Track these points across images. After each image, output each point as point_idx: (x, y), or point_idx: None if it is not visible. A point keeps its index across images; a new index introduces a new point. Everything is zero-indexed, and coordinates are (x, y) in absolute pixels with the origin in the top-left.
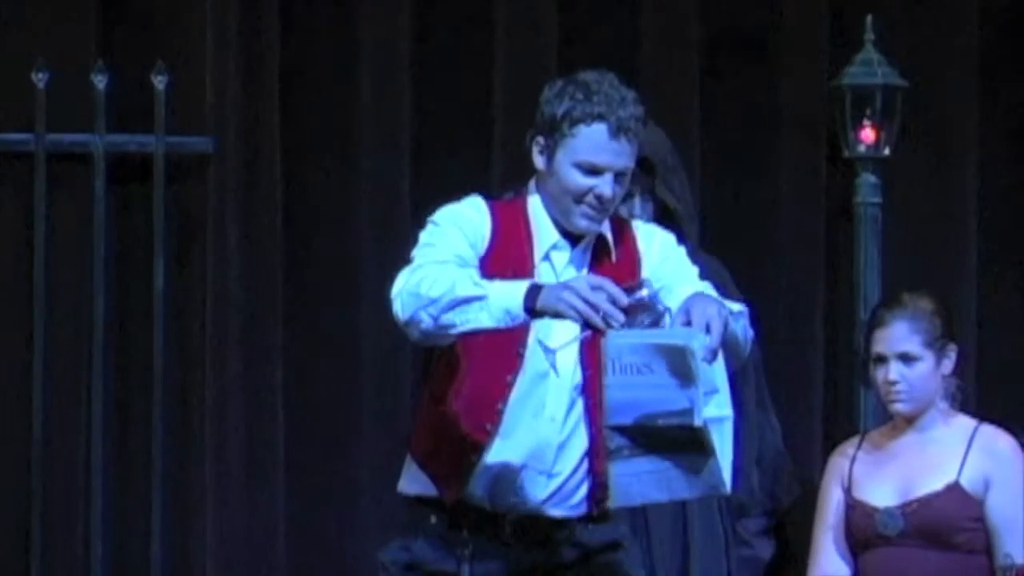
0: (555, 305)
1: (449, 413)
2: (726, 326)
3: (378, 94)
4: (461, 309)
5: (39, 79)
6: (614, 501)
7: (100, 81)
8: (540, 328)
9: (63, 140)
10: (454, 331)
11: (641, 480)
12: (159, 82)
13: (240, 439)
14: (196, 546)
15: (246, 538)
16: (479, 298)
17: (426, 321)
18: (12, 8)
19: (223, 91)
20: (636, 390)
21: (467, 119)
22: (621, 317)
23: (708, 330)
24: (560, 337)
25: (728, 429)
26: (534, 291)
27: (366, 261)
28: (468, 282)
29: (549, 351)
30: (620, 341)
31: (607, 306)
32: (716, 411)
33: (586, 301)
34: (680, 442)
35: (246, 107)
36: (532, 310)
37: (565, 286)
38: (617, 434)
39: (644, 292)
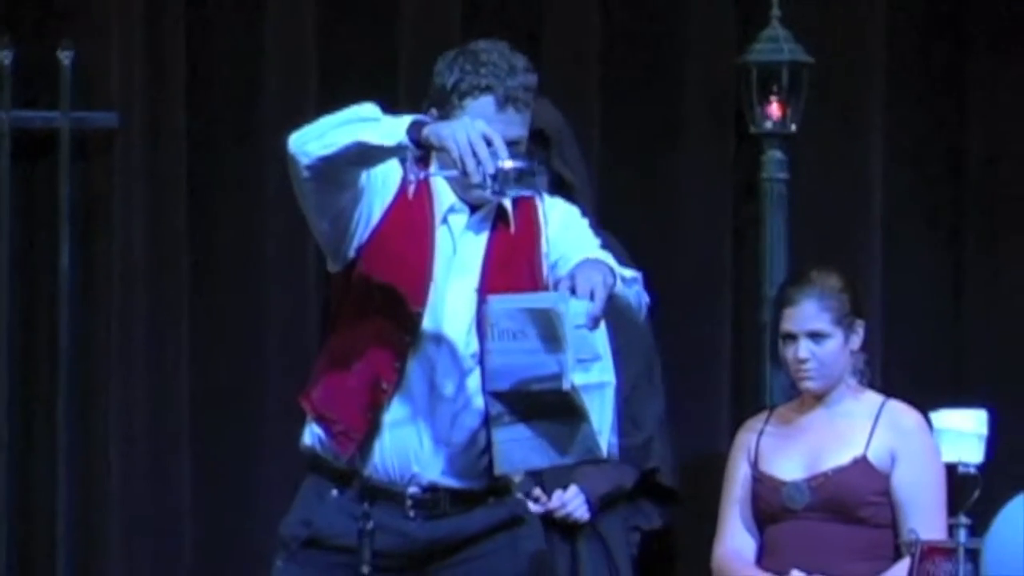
0: (439, 133)
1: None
2: (612, 293)
3: (284, 70)
4: (347, 128)
5: None
6: (499, 468)
7: (5, 57)
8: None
9: None
10: (334, 151)
11: (522, 446)
12: (64, 57)
13: (146, 417)
14: (101, 524)
15: (152, 517)
16: (371, 119)
17: (312, 143)
18: None
19: (128, 66)
20: (512, 356)
21: (374, 88)
22: (491, 168)
23: (592, 297)
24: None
25: (610, 395)
26: (424, 121)
27: (272, 236)
28: (364, 110)
29: (415, 171)
30: (498, 306)
31: (485, 154)
32: (598, 377)
33: (470, 142)
34: (554, 407)
35: (151, 81)
36: (417, 139)
37: (459, 121)
38: (497, 400)
39: (524, 165)
